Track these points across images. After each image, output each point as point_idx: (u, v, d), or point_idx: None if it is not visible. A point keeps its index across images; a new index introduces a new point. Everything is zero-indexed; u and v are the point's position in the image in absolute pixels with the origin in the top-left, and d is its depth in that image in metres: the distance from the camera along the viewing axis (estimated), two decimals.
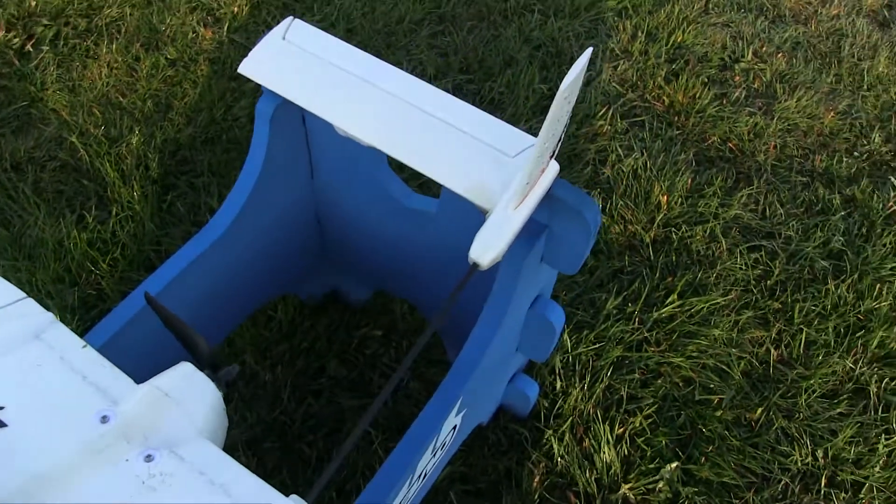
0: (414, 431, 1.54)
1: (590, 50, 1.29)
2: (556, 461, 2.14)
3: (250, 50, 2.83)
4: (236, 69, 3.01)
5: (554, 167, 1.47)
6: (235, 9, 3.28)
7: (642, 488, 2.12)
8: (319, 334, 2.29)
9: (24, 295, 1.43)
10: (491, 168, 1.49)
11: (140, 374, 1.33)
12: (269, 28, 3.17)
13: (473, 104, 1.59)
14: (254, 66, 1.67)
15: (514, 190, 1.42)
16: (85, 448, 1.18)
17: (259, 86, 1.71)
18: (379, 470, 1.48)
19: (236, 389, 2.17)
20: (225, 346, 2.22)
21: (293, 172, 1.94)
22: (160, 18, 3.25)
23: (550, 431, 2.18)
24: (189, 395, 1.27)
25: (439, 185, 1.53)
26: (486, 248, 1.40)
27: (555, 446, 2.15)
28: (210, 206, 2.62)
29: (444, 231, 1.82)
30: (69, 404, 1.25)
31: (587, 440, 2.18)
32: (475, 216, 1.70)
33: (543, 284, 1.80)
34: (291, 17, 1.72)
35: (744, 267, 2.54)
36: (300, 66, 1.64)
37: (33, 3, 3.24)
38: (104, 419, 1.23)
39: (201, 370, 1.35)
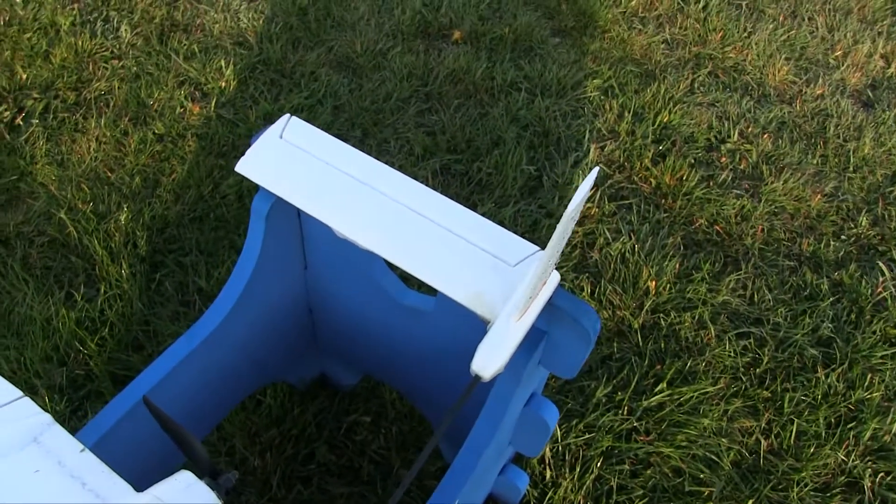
0: None
1: (596, 170, 1.30)
2: None
3: (237, 125, 2.85)
4: (224, 145, 3.05)
5: (555, 277, 1.48)
6: (223, 83, 3.30)
7: None
8: (309, 420, 2.27)
9: (21, 394, 1.41)
10: (491, 277, 1.49)
11: (131, 470, 1.31)
12: (256, 103, 3.20)
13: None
14: (251, 166, 1.67)
15: (516, 302, 1.42)
16: None
17: None
18: None
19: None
20: (214, 431, 2.19)
21: (286, 266, 1.93)
22: (148, 92, 3.26)
23: None
24: None
25: None
26: (488, 361, 1.39)
27: None
28: (198, 286, 2.61)
29: (439, 328, 1.82)
30: None
31: None
32: (470, 319, 1.70)
33: (538, 383, 1.80)
34: (289, 116, 1.72)
35: (732, 354, 2.55)
36: (297, 166, 1.65)
37: (24, 76, 3.25)
38: None
39: (200, 477, 1.34)
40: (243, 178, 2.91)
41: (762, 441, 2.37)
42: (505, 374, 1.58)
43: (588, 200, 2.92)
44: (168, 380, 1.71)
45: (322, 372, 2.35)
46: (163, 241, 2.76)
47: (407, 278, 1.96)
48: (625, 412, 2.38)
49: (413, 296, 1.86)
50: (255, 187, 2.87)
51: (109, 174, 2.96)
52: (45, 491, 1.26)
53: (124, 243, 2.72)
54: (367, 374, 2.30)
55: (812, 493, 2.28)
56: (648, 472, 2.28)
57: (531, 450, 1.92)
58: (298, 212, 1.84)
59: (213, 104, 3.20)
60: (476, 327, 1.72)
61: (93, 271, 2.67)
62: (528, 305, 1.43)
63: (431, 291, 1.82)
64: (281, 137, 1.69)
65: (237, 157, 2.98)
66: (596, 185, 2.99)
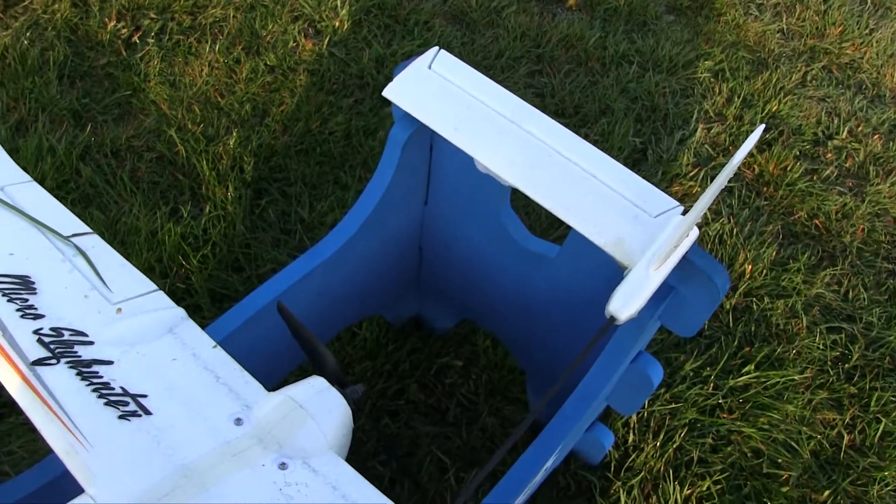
0: (516, 471, 1.56)
1: (762, 127, 1.31)
2: None
3: (349, 65, 2.88)
4: (334, 83, 3.08)
5: (694, 233, 1.49)
6: (337, 23, 3.33)
7: None
8: (403, 357, 2.31)
9: (156, 287, 1.46)
10: (631, 225, 1.51)
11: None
12: (369, 46, 3.23)
13: None
14: (398, 92, 1.69)
15: (656, 251, 1.44)
16: (223, 448, 1.21)
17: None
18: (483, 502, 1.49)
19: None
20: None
21: (408, 199, 1.96)
22: (262, 24, 3.31)
23: (619, 483, 2.18)
24: (322, 409, 1.30)
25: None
26: (626, 304, 1.41)
27: (622, 498, 2.16)
28: (300, 216, 2.66)
29: (559, 277, 1.84)
30: (204, 402, 1.28)
31: (654, 497, 2.18)
32: (595, 268, 1.72)
33: (645, 343, 1.82)
34: (438, 48, 1.75)
35: (822, 347, 2.54)
36: (445, 97, 1.67)
37: None
38: (238, 422, 1.26)
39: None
40: (352, 117, 2.95)
41: (845, 435, 2.37)
42: (629, 324, 1.59)
43: (691, 179, 2.92)
44: (286, 295, 1.76)
45: (418, 312, 2.38)
46: (268, 169, 2.81)
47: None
48: (710, 388, 2.39)
49: (536, 242, 1.88)
50: (364, 128, 2.91)
51: (220, 99, 3.01)
52: (182, 378, 1.31)
53: (231, 167, 2.78)
54: (465, 319, 2.33)
55: (893, 493, 2.27)
56: (728, 448, 2.29)
57: (628, 407, 1.94)
58: (431, 145, 1.86)
59: (325, 42, 3.24)
60: (598, 279, 1.75)
61: (198, 190, 2.72)
62: (667, 256, 1.45)
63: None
64: (430, 68, 1.71)
65: (347, 96, 3.03)
66: (700, 165, 2.98)
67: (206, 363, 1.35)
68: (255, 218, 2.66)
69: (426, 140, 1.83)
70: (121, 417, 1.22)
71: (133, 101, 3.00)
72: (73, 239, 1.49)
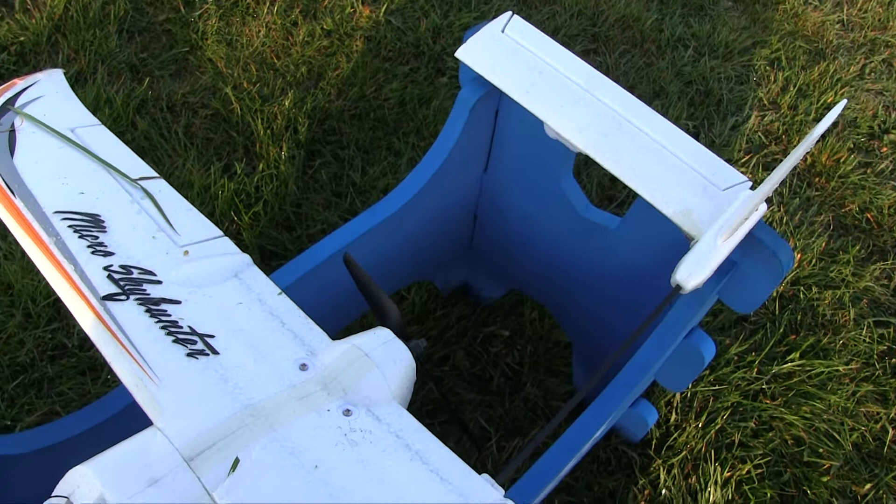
0: (568, 437, 1.56)
1: (844, 102, 1.30)
2: (661, 492, 2.15)
3: (405, 34, 2.87)
4: (390, 50, 3.09)
5: (762, 208, 1.49)
6: None
7: None
8: (451, 324, 2.32)
9: (222, 233, 1.48)
10: (701, 196, 1.51)
11: None
12: (426, 16, 3.22)
13: None
14: (471, 54, 1.70)
15: (725, 223, 1.44)
16: (289, 391, 1.22)
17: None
18: (530, 470, 1.50)
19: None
20: (359, 321, 2.25)
21: (469, 164, 1.97)
22: None
23: (660, 461, 2.18)
24: (388, 359, 1.31)
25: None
26: (693, 273, 1.41)
27: (662, 476, 2.16)
28: (352, 180, 2.67)
29: (618, 248, 1.84)
30: (269, 345, 1.29)
31: (694, 477, 2.18)
32: (656, 242, 1.72)
33: (700, 317, 1.82)
34: (511, 12, 1.75)
35: (868, 340, 2.52)
36: (517, 61, 1.67)
37: None
38: (303, 367, 1.27)
39: None
40: (406, 85, 2.95)
41: (889, 430, 2.35)
42: (689, 297, 1.59)
43: (742, 166, 2.91)
44: (347, 249, 1.77)
45: (466, 281, 2.39)
46: (322, 131, 2.82)
47: None
48: (754, 373, 2.38)
49: (596, 212, 1.88)
50: (419, 96, 2.92)
51: (276, 60, 3.02)
52: (248, 322, 1.32)
53: (285, 127, 2.79)
54: (514, 290, 2.33)
55: None
56: (770, 434, 2.29)
57: (676, 384, 1.94)
58: (497, 111, 1.86)
59: (382, 10, 3.24)
60: (657, 253, 1.74)
61: (252, 148, 2.74)
62: (735, 229, 1.45)
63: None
64: (503, 32, 1.71)
65: (402, 64, 3.03)
66: (752, 153, 2.96)
67: (271, 309, 1.36)
68: (307, 179, 2.68)
69: (493, 105, 1.83)
70: (189, 355, 1.24)
71: (190, 58, 3.02)
72: (140, 182, 1.51)
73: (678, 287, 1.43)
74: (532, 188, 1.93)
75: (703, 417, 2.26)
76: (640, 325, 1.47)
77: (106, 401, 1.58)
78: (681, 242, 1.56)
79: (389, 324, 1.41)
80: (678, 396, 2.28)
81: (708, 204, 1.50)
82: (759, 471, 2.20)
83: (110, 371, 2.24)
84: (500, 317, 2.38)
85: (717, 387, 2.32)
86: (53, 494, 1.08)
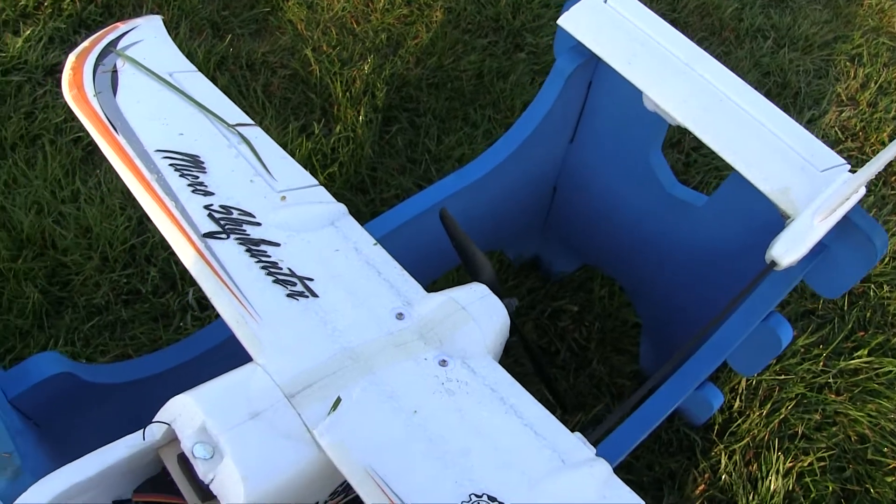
0: (646, 409, 1.57)
1: None
2: (721, 476, 2.15)
3: (485, 7, 2.87)
4: (470, 23, 3.09)
5: (861, 192, 1.48)
6: None
7: None
8: (521, 296, 2.33)
9: (317, 182, 1.49)
10: (798, 176, 1.50)
11: None
12: None
13: None
14: (572, 22, 1.70)
15: (823, 203, 1.43)
16: (387, 338, 1.24)
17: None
18: (611, 435, 1.51)
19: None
20: (443, 279, 2.26)
21: (556, 135, 1.97)
22: None
23: (721, 446, 2.18)
24: (484, 313, 1.32)
25: None
26: (789, 250, 1.41)
27: (723, 461, 2.16)
28: (427, 147, 2.68)
29: (704, 226, 1.83)
30: (366, 293, 1.31)
31: (755, 464, 2.17)
32: (743, 222, 1.71)
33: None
34: None
35: None
36: (620, 31, 1.67)
37: None
38: (400, 316, 1.29)
39: None
40: (485, 58, 2.96)
41: None
42: (775, 278, 1.59)
43: None
44: (434, 209, 1.78)
45: (537, 254, 2.39)
46: (399, 98, 2.84)
47: None
48: (820, 366, 2.36)
49: (682, 189, 1.88)
50: (497, 69, 2.92)
51: (355, 25, 3.04)
52: (345, 269, 1.34)
53: (363, 91, 2.81)
54: (586, 265, 2.33)
55: None
56: (833, 429, 2.27)
57: (748, 367, 1.93)
58: (590, 83, 1.86)
59: None
60: (743, 234, 1.74)
61: (329, 110, 2.76)
62: (832, 210, 1.44)
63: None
64: (605, 2, 1.71)
65: (481, 37, 3.04)
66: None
67: (367, 258, 1.38)
68: (383, 144, 2.70)
69: (587, 76, 1.83)
70: (289, 296, 1.26)
71: (270, 19, 3.04)
72: (237, 128, 1.53)
73: (772, 264, 1.43)
74: (618, 162, 1.93)
75: (767, 406, 2.26)
76: (733, 300, 1.47)
77: (191, 342, 1.60)
78: (769, 224, 1.56)
79: (483, 280, 1.42)
80: (743, 383, 2.27)
81: (806, 183, 1.49)
82: (822, 464, 2.19)
83: (182, 319, 2.28)
84: (570, 292, 2.39)
85: (782, 377, 2.31)
86: (155, 420, 1.10)
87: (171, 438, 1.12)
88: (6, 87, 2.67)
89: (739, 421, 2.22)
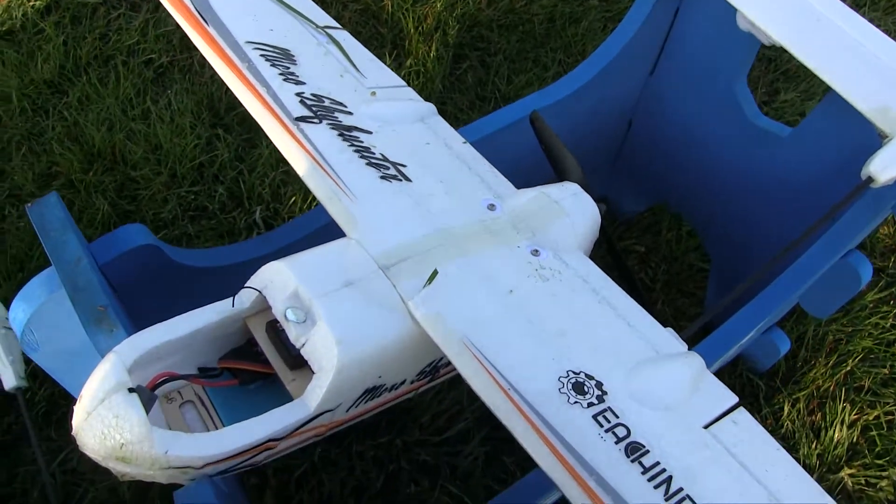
0: (720, 334, 1.54)
1: None
2: (784, 424, 2.12)
3: None
4: None
5: None
6: None
7: (863, 479, 2.08)
8: None
9: (405, 83, 1.49)
10: None
11: None
12: None
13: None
14: None
15: None
16: (480, 224, 1.23)
17: None
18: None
19: None
20: None
21: (637, 66, 1.95)
22: None
23: (785, 393, 2.15)
24: (576, 209, 1.31)
25: None
26: (889, 166, 1.38)
27: (786, 409, 2.13)
28: (497, 86, 2.66)
29: (787, 157, 1.80)
30: (458, 183, 1.30)
31: (819, 414, 2.14)
32: (830, 152, 1.68)
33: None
34: None
35: None
36: None
37: None
38: (492, 207, 1.28)
39: None
40: (557, 3, 2.93)
41: None
42: (862, 205, 1.56)
43: None
44: (518, 124, 1.76)
45: (605, 194, 2.37)
46: (470, 37, 2.82)
47: None
48: (889, 323, 2.32)
49: (766, 119, 1.84)
50: (569, 14, 2.88)
51: None
52: (436, 160, 1.33)
53: (434, 28, 2.79)
54: (656, 204, 2.30)
55: None
56: None
57: (823, 309, 1.90)
58: (677, 9, 1.83)
59: None
60: (828, 164, 1.70)
61: (400, 44, 2.75)
62: None
63: None
64: None
65: None
66: None
67: (457, 153, 1.37)
68: (453, 80, 2.68)
69: (674, 4, 1.81)
70: (382, 178, 1.26)
71: None
72: (325, 30, 1.53)
73: (868, 180, 1.40)
74: (701, 93, 1.90)
75: (833, 357, 2.22)
76: (819, 220, 1.44)
77: (276, 234, 1.61)
78: (858, 153, 1.52)
79: (574, 181, 1.40)
80: (810, 332, 2.24)
81: None
82: (889, 418, 2.15)
83: (248, 237, 2.29)
84: (637, 233, 2.36)
85: (850, 329, 2.27)
86: (247, 286, 1.10)
87: (260, 309, 1.12)
88: (82, 9, 2.69)
89: (804, 369, 2.18)
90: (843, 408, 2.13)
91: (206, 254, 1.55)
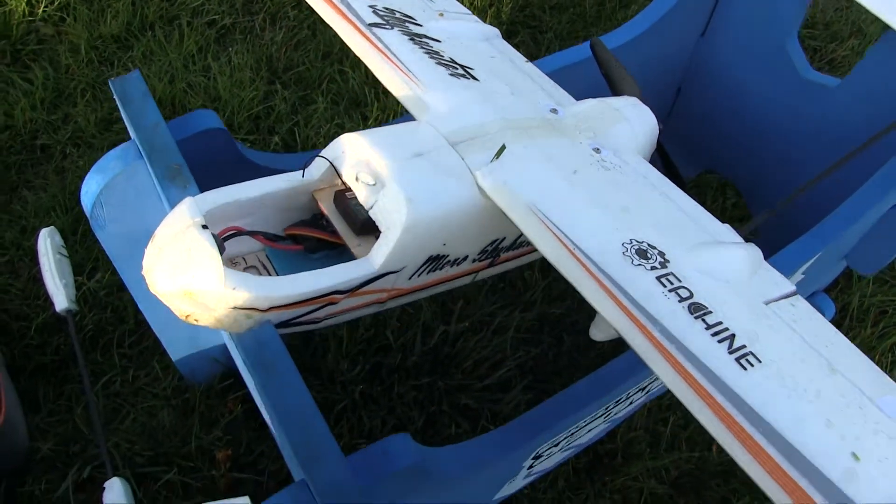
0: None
1: None
2: None
3: None
4: None
5: None
6: None
7: None
8: None
9: (470, 12, 1.53)
10: None
11: None
12: None
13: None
14: None
15: None
16: (543, 120, 1.26)
17: None
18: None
19: None
20: None
21: (687, 26, 1.98)
22: None
23: None
24: (636, 117, 1.34)
25: None
26: None
27: None
28: None
29: (834, 111, 1.82)
30: (522, 89, 1.34)
31: None
32: (879, 101, 1.70)
33: None
34: None
35: None
36: None
37: None
38: (555, 111, 1.31)
39: None
40: None
41: None
42: None
43: None
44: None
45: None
46: (523, 16, 2.92)
47: None
48: None
49: (817, 73, 1.87)
50: None
51: None
52: (502, 68, 1.37)
53: (489, 5, 2.86)
54: (708, 170, 2.32)
55: None
56: None
57: (870, 264, 1.91)
58: None
59: None
60: (875, 114, 1.72)
61: None
62: None
63: None
64: None
65: None
66: None
67: (521, 69, 1.42)
68: None
69: None
70: (451, 75, 1.30)
71: None
72: None
73: None
74: (753, 52, 1.93)
75: (879, 327, 2.22)
76: (864, 143, 1.45)
77: None
78: None
79: (633, 95, 1.44)
80: (854, 302, 2.24)
81: None
82: None
83: None
84: None
85: (893, 298, 2.28)
86: (319, 155, 1.14)
87: (329, 184, 1.16)
88: None
89: (850, 336, 2.18)
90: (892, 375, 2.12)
91: (271, 156, 1.59)
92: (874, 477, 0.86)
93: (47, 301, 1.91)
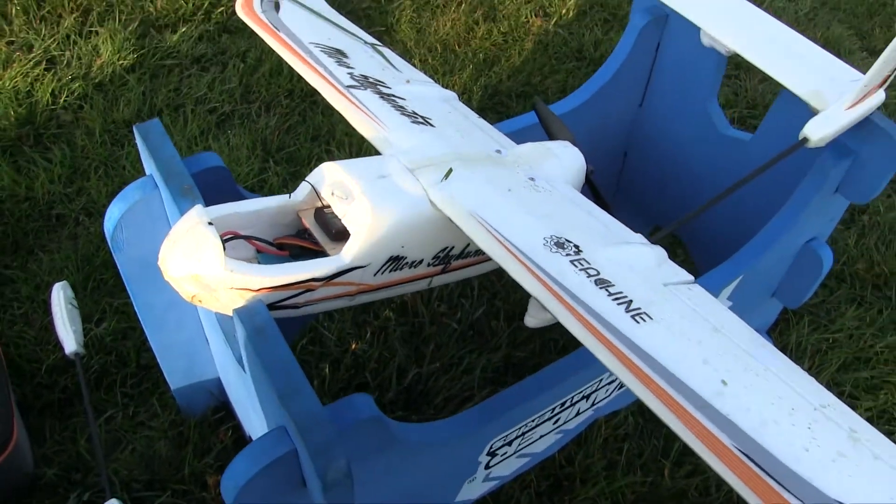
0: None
1: None
2: None
3: (570, 42, 3.22)
4: (556, 52, 3.47)
5: (881, 96, 1.76)
6: (564, 10, 3.74)
7: None
8: None
9: (433, 80, 1.83)
10: (827, 83, 1.79)
11: None
12: (590, 30, 3.60)
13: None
14: None
15: (849, 93, 1.71)
16: (487, 156, 1.55)
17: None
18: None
19: None
20: None
21: (627, 96, 2.29)
22: (500, 1, 3.75)
23: None
24: (566, 155, 1.63)
25: None
26: (820, 127, 1.68)
27: None
28: None
29: (749, 160, 2.09)
30: (472, 135, 1.63)
31: None
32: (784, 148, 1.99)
33: (821, 226, 2.04)
34: None
35: None
36: None
37: None
38: (499, 152, 1.60)
39: None
40: (568, 78, 3.32)
41: None
42: (812, 177, 1.86)
43: None
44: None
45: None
46: (491, 103, 3.21)
47: None
48: (867, 343, 2.55)
49: (734, 130, 2.18)
50: (580, 86, 3.26)
51: (457, 47, 3.45)
52: (457, 120, 1.67)
53: (461, 92, 3.18)
54: (655, 226, 2.59)
55: None
56: (881, 393, 2.42)
57: (794, 298, 2.14)
58: (658, 44, 2.19)
59: (552, 22, 3.65)
60: (788, 159, 2.01)
61: None
62: (859, 98, 1.72)
63: None
64: None
65: (566, 63, 3.40)
66: None
67: (474, 122, 1.71)
68: None
69: (656, 36, 2.16)
70: (413, 122, 1.59)
71: (384, 37, 3.46)
72: (372, 45, 1.90)
73: (804, 140, 1.70)
74: (684, 115, 2.23)
75: (816, 361, 2.45)
76: (765, 164, 1.71)
77: None
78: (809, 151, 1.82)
79: (565, 139, 1.72)
80: (793, 340, 2.48)
81: (834, 89, 1.77)
82: (868, 414, 2.35)
83: None
84: None
85: (830, 339, 2.51)
86: (304, 180, 1.41)
87: (311, 205, 1.42)
88: (161, 68, 3.12)
89: None
90: None
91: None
92: (738, 394, 1.09)
93: (57, 346, 2.14)
